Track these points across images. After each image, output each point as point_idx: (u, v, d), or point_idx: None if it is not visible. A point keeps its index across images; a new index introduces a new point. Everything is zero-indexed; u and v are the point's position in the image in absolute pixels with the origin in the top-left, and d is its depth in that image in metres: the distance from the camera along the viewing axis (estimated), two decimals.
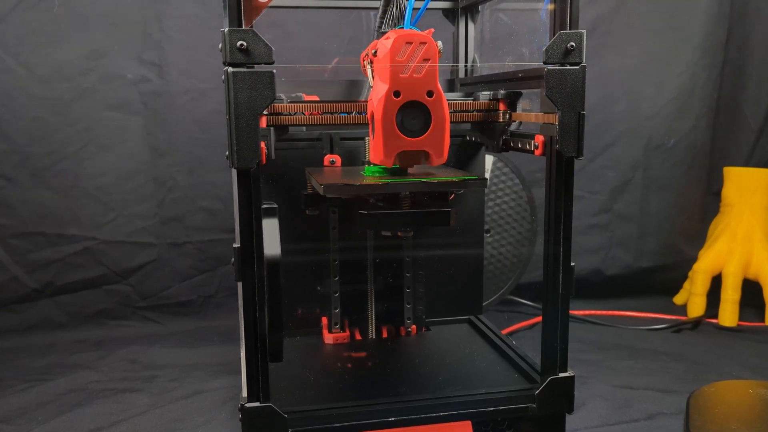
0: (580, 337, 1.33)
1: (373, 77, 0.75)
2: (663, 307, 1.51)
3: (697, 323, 1.42)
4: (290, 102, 0.84)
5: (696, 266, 1.47)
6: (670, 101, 1.55)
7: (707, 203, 1.63)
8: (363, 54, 0.81)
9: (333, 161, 0.98)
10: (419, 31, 0.73)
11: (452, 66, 1.11)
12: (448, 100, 0.89)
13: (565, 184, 0.75)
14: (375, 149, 0.73)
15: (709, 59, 1.54)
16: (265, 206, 0.68)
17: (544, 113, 0.76)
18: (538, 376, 0.82)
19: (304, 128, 1.00)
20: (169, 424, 0.97)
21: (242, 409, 0.72)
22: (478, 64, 1.08)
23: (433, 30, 0.75)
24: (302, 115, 0.84)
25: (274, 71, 0.67)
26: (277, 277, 0.67)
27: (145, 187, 1.38)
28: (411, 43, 0.70)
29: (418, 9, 0.77)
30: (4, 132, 1.29)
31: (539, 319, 1.44)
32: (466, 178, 0.78)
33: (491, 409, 0.78)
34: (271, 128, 0.84)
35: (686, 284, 1.54)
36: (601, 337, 1.33)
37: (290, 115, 0.84)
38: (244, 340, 0.71)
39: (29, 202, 1.32)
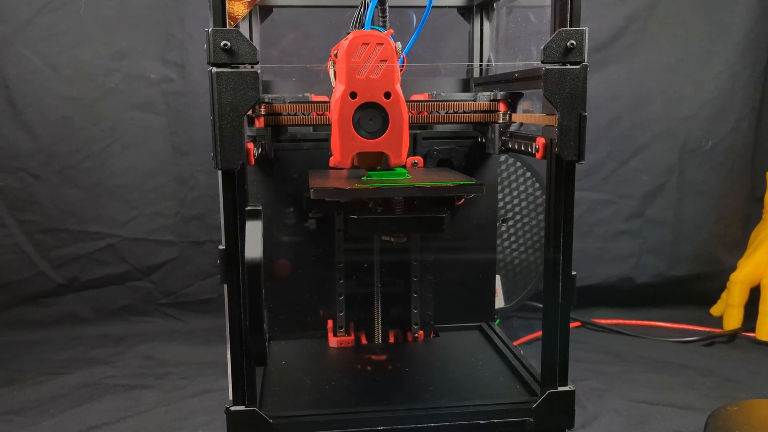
0: (604, 347, 1.28)
1: (335, 78, 0.75)
2: (698, 319, 1.43)
3: (732, 336, 1.34)
4: (289, 102, 0.84)
5: (733, 276, 1.39)
6: (708, 101, 1.47)
7: (750, 210, 1.54)
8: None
9: None
10: (378, 32, 0.72)
11: (468, 65, 1.09)
12: (448, 99, 0.87)
13: (565, 188, 0.71)
14: (333, 150, 0.73)
15: (751, 57, 1.45)
16: (249, 208, 0.67)
17: (546, 114, 0.72)
18: (539, 388, 0.78)
19: (311, 128, 1.01)
20: (172, 423, 0.97)
21: (227, 412, 0.71)
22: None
23: (392, 31, 0.74)
24: (302, 116, 0.84)
25: (259, 71, 0.66)
26: (258, 281, 0.66)
27: (167, 186, 1.40)
28: (368, 44, 0.70)
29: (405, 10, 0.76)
30: (31, 131, 1.33)
31: None
32: (461, 183, 0.75)
33: (485, 421, 0.76)
34: (269, 128, 0.83)
35: (724, 295, 1.46)
36: (626, 348, 1.27)
37: (289, 115, 0.83)
38: (229, 343, 0.71)
39: (55, 199, 1.36)
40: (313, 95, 0.97)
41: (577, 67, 0.68)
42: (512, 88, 0.86)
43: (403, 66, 0.83)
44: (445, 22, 1.21)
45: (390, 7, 0.84)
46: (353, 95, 0.71)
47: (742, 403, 0.95)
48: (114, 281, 1.41)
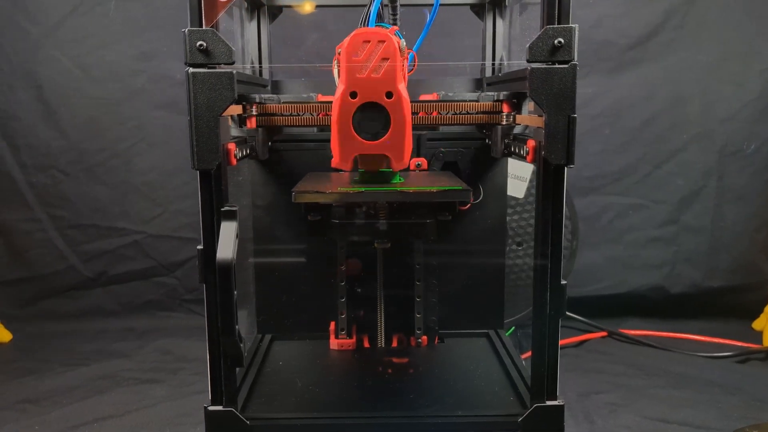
0: (628, 359, 1.22)
1: (338, 78, 0.72)
2: (736, 333, 1.35)
3: None
4: (283, 102, 0.83)
5: None
6: (750, 102, 1.39)
7: None
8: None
9: None
10: (381, 29, 0.70)
11: (480, 65, 1.05)
12: (451, 99, 0.85)
13: (553, 193, 0.68)
14: (333, 151, 0.70)
15: None
16: (224, 209, 0.67)
17: (537, 116, 0.69)
18: None
19: (315, 129, 1.00)
20: (174, 419, 0.99)
21: (205, 411, 0.71)
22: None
23: (396, 28, 0.71)
24: (295, 116, 0.83)
25: (235, 72, 0.66)
26: (228, 281, 0.65)
27: (190, 184, 1.42)
28: (369, 41, 0.67)
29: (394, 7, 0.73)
30: (61, 129, 1.38)
31: (585, 336, 1.35)
32: (445, 188, 0.73)
33: None
34: (260, 129, 0.83)
35: (766, 308, 1.37)
36: (652, 362, 1.21)
37: (282, 116, 0.82)
38: (207, 343, 0.71)
39: (84, 196, 1.41)
40: (319, 96, 0.96)
41: (566, 66, 0.65)
42: (519, 88, 0.83)
43: (414, 65, 0.81)
44: (458, 20, 1.18)
45: (402, 5, 0.82)
46: (353, 95, 0.68)
47: (763, 424, 0.89)
48: (139, 276, 1.45)
